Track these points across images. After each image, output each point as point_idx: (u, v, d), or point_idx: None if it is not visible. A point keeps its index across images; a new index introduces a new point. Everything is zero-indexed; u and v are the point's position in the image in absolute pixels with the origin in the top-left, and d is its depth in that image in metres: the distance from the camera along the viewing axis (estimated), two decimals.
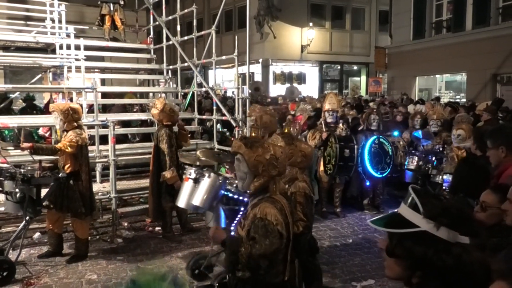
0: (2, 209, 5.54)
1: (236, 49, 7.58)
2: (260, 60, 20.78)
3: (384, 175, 7.19)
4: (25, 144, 5.10)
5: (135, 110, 10.63)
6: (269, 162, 2.60)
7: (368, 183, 7.46)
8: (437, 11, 16.88)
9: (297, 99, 13.66)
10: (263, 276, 2.52)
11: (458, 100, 15.94)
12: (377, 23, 23.02)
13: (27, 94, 10.96)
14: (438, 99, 14.98)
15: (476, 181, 3.68)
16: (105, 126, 6.64)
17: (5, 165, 5.27)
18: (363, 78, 23.82)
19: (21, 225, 5.02)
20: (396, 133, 7.89)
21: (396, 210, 1.55)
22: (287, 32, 20.95)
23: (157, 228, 6.49)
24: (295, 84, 20.51)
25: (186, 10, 9.28)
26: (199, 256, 4.79)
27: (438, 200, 1.49)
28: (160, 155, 5.88)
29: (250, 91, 14.10)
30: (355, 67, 24.40)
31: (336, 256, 5.67)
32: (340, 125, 7.28)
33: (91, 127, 6.92)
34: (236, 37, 7.98)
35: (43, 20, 9.65)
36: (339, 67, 23.58)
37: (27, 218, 4.97)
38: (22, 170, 4.99)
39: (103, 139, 7.25)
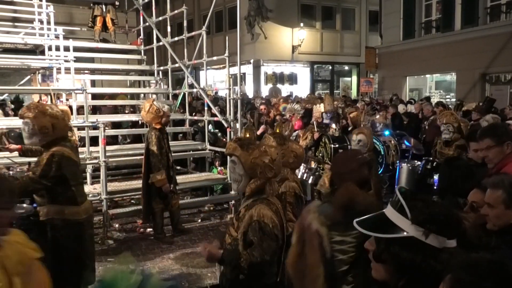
0: None
1: (227, 50, 7.57)
2: (251, 61, 20.78)
3: None
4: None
5: (127, 111, 10.54)
6: (266, 165, 2.56)
7: None
8: (426, 11, 17.00)
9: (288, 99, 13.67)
10: (266, 279, 2.51)
11: (448, 100, 16.08)
12: (367, 23, 23.11)
13: (15, 96, 10.86)
14: (428, 99, 15.06)
15: (462, 181, 3.69)
16: (95, 127, 6.60)
17: None
18: (354, 78, 23.92)
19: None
20: (387, 133, 7.93)
21: (383, 211, 1.51)
22: (278, 33, 20.96)
23: (148, 230, 6.46)
24: (278, 85, 20.58)
25: (176, 11, 9.25)
26: None
27: (426, 204, 1.45)
28: (150, 157, 5.86)
29: (245, 92, 14.07)
30: (346, 67, 24.48)
31: None
32: (333, 125, 7.31)
33: (81, 128, 6.87)
34: (226, 37, 7.96)
35: (31, 21, 9.57)
36: (330, 67, 23.64)
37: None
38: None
39: (94, 141, 7.21)
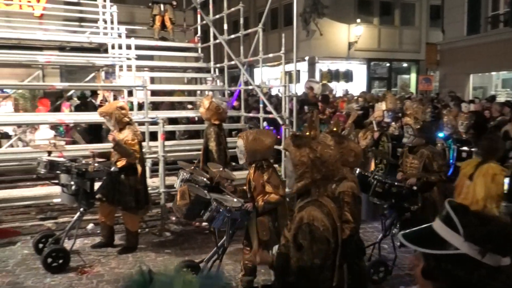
0: (59, 200, 5.83)
1: (283, 47, 7.55)
2: (306, 58, 20.58)
3: None
4: (117, 134, 5.30)
5: (190, 107, 10.66)
6: (313, 164, 2.48)
7: None
8: (494, 4, 16.07)
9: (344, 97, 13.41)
10: (320, 283, 2.46)
11: None
12: (428, 18, 22.20)
13: (81, 92, 11.44)
14: (493, 98, 14.23)
15: None
16: (154, 123, 6.82)
17: (61, 159, 5.53)
18: (413, 75, 23.07)
19: (76, 216, 5.24)
20: (441, 135, 7.50)
21: (431, 224, 1.42)
22: (333, 29, 20.63)
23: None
24: (333, 82, 20.18)
25: (232, 9, 9.34)
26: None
27: (480, 221, 1.36)
28: (209, 153, 5.95)
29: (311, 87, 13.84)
30: (405, 65, 23.67)
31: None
32: (393, 123, 7.09)
33: (141, 124, 7.12)
34: (282, 35, 7.93)
35: (96, 21, 10.01)
36: (387, 64, 22.96)
37: (81, 209, 5.18)
38: (77, 164, 5.22)
39: (153, 136, 7.45)
